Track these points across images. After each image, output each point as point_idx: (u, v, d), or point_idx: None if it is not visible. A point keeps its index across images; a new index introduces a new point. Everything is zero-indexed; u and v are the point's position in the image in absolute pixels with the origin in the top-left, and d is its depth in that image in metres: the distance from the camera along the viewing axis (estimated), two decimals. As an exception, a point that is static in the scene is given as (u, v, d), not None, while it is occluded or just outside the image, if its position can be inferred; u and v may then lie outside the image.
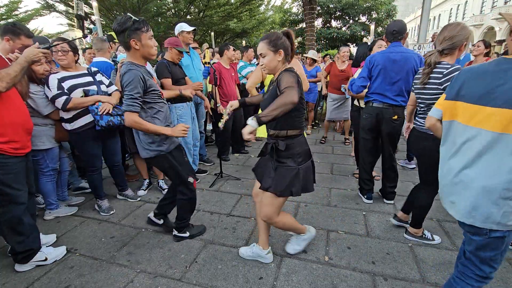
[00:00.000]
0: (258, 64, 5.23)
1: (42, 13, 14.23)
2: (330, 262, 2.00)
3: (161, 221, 2.43)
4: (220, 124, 1.90)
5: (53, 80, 2.31)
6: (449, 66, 1.83)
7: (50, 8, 13.56)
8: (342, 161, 4.15)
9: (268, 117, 1.41)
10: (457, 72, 1.74)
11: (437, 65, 1.89)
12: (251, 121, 1.44)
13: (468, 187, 1.20)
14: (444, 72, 1.83)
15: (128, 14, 1.73)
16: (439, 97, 1.85)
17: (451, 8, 33.49)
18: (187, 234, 2.28)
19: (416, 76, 2.10)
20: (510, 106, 1.08)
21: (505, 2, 23.88)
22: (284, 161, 1.69)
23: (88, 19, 14.48)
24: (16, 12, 14.11)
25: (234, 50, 4.13)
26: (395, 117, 2.57)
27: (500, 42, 23.26)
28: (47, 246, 2.16)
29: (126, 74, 1.74)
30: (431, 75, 1.90)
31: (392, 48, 2.57)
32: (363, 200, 2.90)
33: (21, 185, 1.89)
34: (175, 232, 2.27)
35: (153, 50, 1.84)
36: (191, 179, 2.11)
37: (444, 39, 1.86)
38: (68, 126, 2.44)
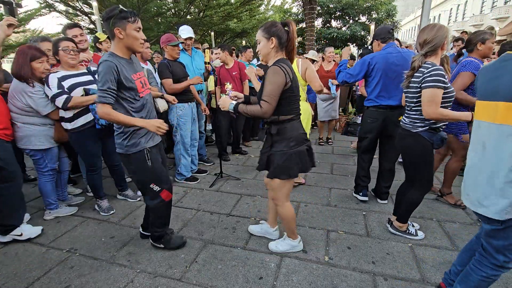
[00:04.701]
0: (258, 64, 5.23)
1: (41, 12, 14.21)
2: (330, 262, 2.00)
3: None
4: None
5: (53, 79, 2.30)
6: (429, 66, 1.86)
7: (49, 7, 13.54)
8: (342, 161, 4.15)
9: (242, 112, 1.71)
10: (437, 72, 1.81)
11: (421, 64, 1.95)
12: (231, 105, 1.75)
13: (476, 177, 1.28)
14: (424, 72, 1.87)
15: (119, 5, 1.67)
16: (420, 95, 1.92)
17: (451, 8, 33.46)
18: (162, 246, 2.14)
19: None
20: (506, 99, 1.15)
21: (505, 2, 23.87)
22: (277, 146, 1.79)
23: (88, 18, 14.50)
24: (21, 3, 14.06)
25: (215, 52, 4.09)
26: (401, 117, 2.55)
27: (499, 42, 23.23)
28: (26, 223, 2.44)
29: (100, 64, 1.67)
30: (412, 77, 1.96)
31: (390, 48, 2.55)
32: (359, 198, 2.91)
33: (17, 165, 2.26)
34: (150, 240, 2.17)
35: (137, 43, 1.74)
36: (155, 187, 1.94)
37: (424, 43, 1.91)
38: (68, 126, 2.44)
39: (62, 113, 2.43)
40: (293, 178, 1.83)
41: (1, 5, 1.91)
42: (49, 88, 2.29)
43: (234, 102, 1.77)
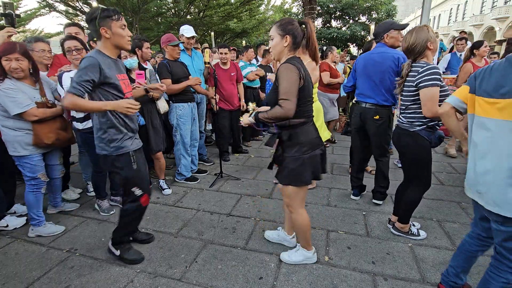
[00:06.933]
0: (258, 64, 5.21)
1: (41, 12, 14.20)
2: (330, 262, 2.00)
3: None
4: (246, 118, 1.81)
5: (66, 79, 2.31)
6: (424, 64, 1.89)
7: (49, 7, 13.54)
8: (342, 161, 4.15)
9: (264, 120, 1.61)
10: (433, 70, 1.82)
11: (413, 65, 1.96)
12: (251, 118, 1.69)
13: (490, 176, 1.24)
14: (420, 70, 1.89)
15: (100, 5, 1.68)
16: (416, 94, 1.92)
17: (451, 8, 33.46)
18: (118, 252, 2.04)
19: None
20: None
21: (505, 2, 23.87)
22: (289, 152, 1.69)
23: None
24: (16, 12, 14.08)
25: (221, 51, 4.01)
26: (377, 117, 2.59)
27: (500, 42, 23.23)
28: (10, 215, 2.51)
29: (83, 59, 1.65)
30: (407, 78, 1.99)
31: (375, 49, 2.69)
32: (351, 196, 2.98)
33: None
34: (110, 242, 2.08)
35: (124, 40, 1.75)
36: (137, 191, 1.90)
37: (407, 50, 1.96)
38: (79, 126, 2.47)
39: (73, 113, 2.45)
40: (307, 184, 1.73)
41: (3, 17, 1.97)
42: (62, 87, 2.31)
43: (251, 119, 1.68)
